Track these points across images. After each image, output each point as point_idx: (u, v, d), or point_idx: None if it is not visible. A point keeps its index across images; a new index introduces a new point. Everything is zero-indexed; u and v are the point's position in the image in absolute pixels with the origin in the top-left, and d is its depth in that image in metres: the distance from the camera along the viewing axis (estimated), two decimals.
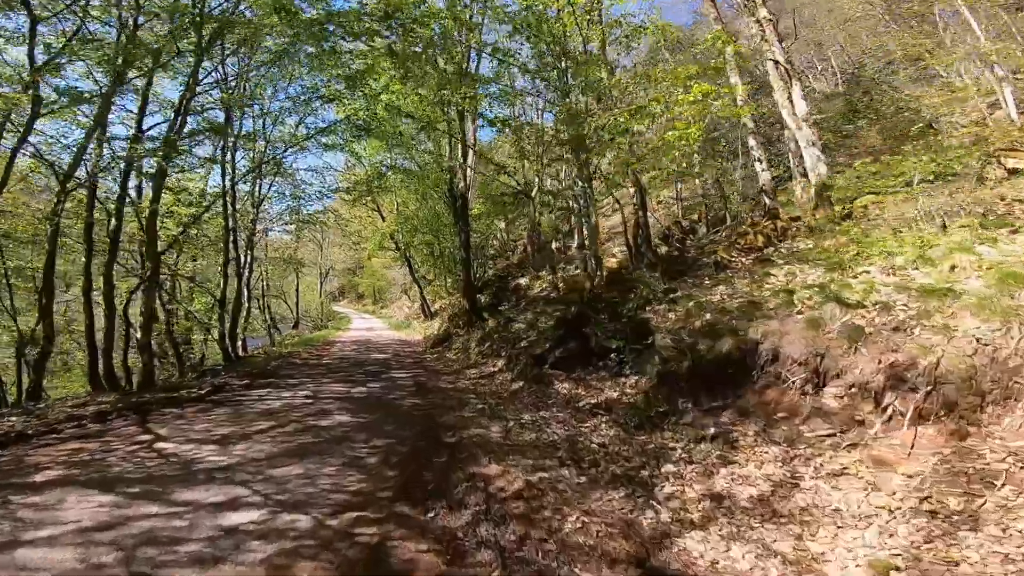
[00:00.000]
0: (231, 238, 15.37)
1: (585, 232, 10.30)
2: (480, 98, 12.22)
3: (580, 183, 9.64)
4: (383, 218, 27.97)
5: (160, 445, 5.57)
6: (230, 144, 15.15)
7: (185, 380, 11.04)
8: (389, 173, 20.67)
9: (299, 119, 16.38)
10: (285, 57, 12.97)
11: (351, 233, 33.46)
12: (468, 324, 17.54)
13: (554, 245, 25.87)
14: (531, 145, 10.45)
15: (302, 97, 14.10)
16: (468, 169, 19.11)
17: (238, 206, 16.43)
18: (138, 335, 10.74)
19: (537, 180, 10.45)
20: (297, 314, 31.36)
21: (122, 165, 10.11)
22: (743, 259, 8.94)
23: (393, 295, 42.32)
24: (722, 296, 6.87)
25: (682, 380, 5.47)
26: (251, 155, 15.91)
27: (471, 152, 19.42)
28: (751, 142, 12.04)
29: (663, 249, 13.94)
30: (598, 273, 9.35)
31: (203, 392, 8.78)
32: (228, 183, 14.09)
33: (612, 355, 7.08)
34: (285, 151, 16.40)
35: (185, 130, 11.26)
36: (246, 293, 16.86)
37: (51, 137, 9.68)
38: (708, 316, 6.02)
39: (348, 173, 21.95)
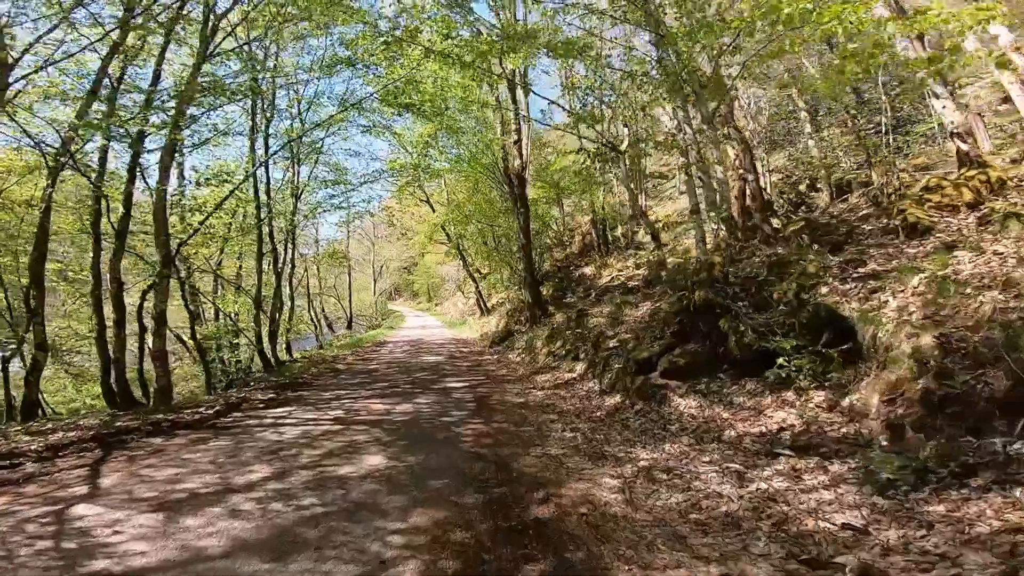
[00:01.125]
0: (268, 230, 13.78)
1: (699, 193, 7.62)
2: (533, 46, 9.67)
3: (692, 129, 7.03)
4: (433, 209, 26.15)
5: (78, 510, 3.56)
6: (261, 126, 13.56)
7: (205, 395, 9.35)
8: (435, 158, 18.69)
9: (339, 102, 14.57)
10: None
11: (400, 226, 32.05)
12: (531, 319, 15.19)
13: (619, 231, 23.21)
14: (613, 86, 7.92)
15: (327, 63, 12.12)
16: (524, 144, 16.81)
17: (277, 196, 14.88)
18: (149, 342, 9.12)
19: (627, 130, 7.93)
20: (350, 313, 30.20)
21: (125, 134, 8.44)
22: (951, 219, 6.07)
23: (447, 292, 40.80)
24: (978, 266, 4.12)
25: (995, 405, 2.84)
26: (287, 141, 14.20)
27: (525, 125, 17.10)
28: (920, 77, 8.89)
29: (775, 222, 11.03)
30: (727, 246, 6.73)
31: (210, 413, 6.90)
32: (259, 161, 12.40)
33: (782, 359, 4.49)
34: (322, 130, 14.67)
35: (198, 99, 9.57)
36: (288, 291, 15.32)
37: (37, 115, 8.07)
38: (1005, 296, 3.34)
39: (393, 161, 20.15)
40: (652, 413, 5.69)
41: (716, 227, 7.42)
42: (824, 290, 5.09)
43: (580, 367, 8.80)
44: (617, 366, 7.19)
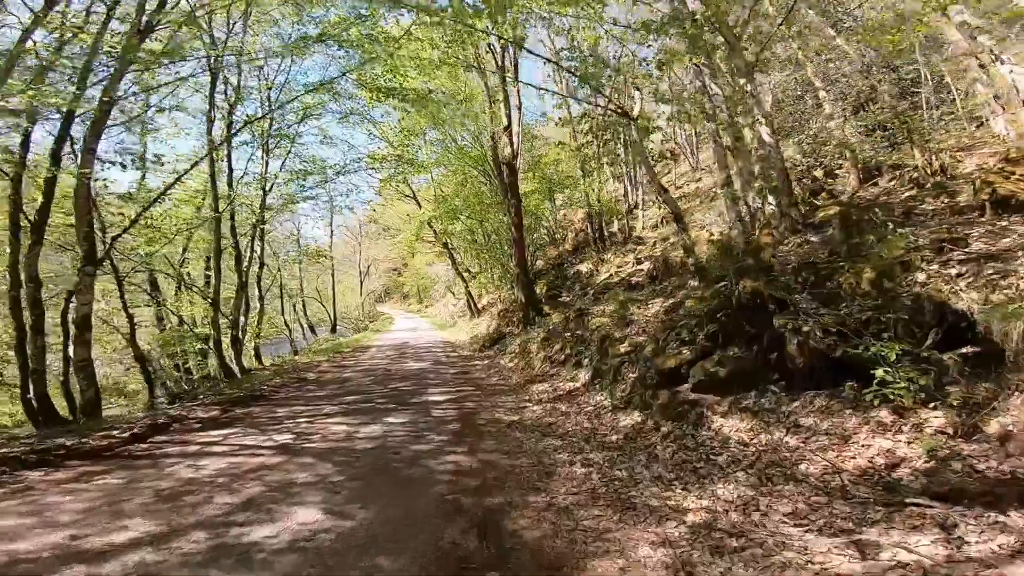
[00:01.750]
0: (231, 224, 12.33)
1: (734, 167, 6.27)
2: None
3: (720, 89, 5.77)
4: (419, 205, 24.81)
5: None
6: (223, 111, 12.10)
7: (147, 409, 7.91)
8: (419, 147, 17.44)
9: (313, 88, 13.16)
10: None
11: (384, 222, 30.70)
12: (524, 320, 13.89)
13: (615, 226, 22.08)
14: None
15: (297, 42, 10.70)
16: (515, 132, 15.62)
17: (242, 188, 13.44)
18: (71, 350, 7.70)
19: (639, 95, 6.60)
20: (334, 316, 28.59)
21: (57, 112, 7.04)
22: None
23: (438, 293, 39.41)
24: None
25: None
26: (245, 123, 12.65)
27: (516, 112, 15.90)
28: (983, 41, 7.72)
29: (801, 209, 9.84)
30: (779, 224, 5.44)
31: (124, 437, 5.49)
32: (215, 145, 10.97)
33: (882, 371, 3.21)
34: (294, 116, 13.29)
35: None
36: (257, 292, 13.87)
37: None
38: None
39: (374, 154, 18.57)
40: (687, 438, 4.38)
41: (755, 205, 6.12)
42: (921, 276, 3.82)
43: (583, 375, 7.48)
44: (632, 376, 5.87)
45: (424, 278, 41.83)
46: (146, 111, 8.34)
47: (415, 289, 48.46)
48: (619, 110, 6.40)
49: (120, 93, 8.44)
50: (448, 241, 24.01)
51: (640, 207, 21.26)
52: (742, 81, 5.61)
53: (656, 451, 4.34)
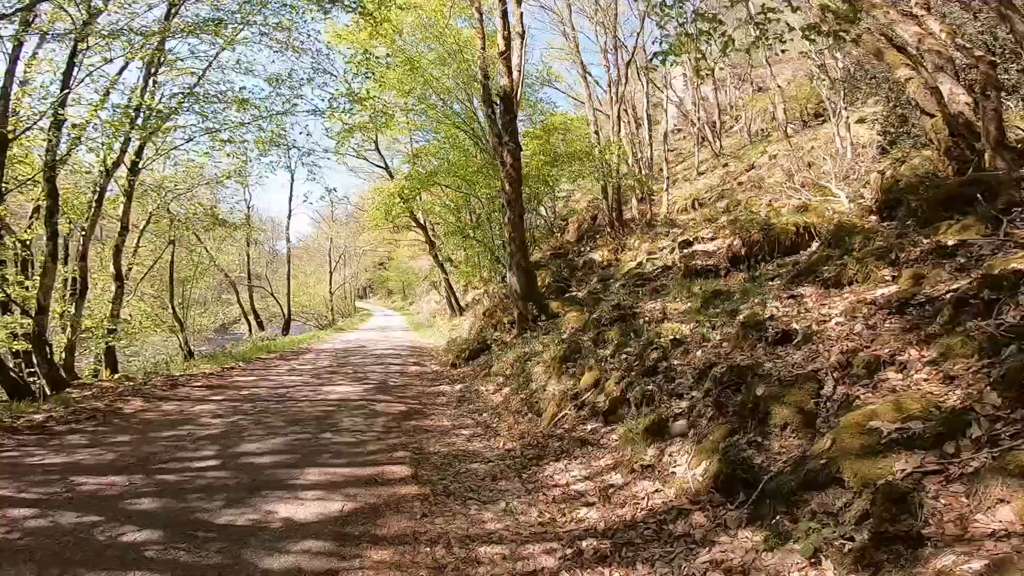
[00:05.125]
0: (47, 159, 7.43)
1: None
2: None
3: None
4: (391, 176, 20.04)
5: None
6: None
7: None
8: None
9: None
10: None
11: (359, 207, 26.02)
12: (520, 322, 9.17)
13: (632, 208, 17.78)
14: None
15: None
16: (515, 58, 10.88)
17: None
18: None
19: None
20: (288, 311, 23.55)
21: None
22: None
23: (422, 289, 34.78)
24: None
25: None
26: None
27: (517, 37, 11.20)
28: None
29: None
30: None
31: None
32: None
33: None
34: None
35: None
36: (113, 271, 8.99)
37: None
38: None
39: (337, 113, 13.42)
40: None
41: None
42: None
43: (686, 464, 2.83)
44: None
45: (408, 272, 37.59)
46: None
47: (400, 284, 44.46)
48: None
49: None
50: (422, 218, 19.31)
51: (666, 189, 17.01)
52: None
53: None
